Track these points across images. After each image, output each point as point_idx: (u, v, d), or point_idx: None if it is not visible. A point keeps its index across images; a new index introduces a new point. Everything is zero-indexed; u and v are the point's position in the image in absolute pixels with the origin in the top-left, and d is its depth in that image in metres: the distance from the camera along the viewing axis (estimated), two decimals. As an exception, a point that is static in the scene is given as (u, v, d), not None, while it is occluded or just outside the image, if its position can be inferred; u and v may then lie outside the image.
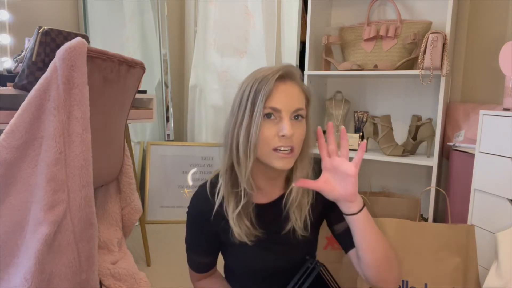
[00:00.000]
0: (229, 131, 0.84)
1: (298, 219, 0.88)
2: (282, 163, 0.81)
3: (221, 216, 0.89)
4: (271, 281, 0.93)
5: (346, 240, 0.90)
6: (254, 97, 0.79)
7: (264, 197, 0.91)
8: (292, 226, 0.89)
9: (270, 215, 0.91)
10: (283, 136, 0.79)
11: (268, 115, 0.80)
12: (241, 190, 0.86)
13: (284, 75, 0.81)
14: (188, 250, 0.99)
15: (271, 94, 0.79)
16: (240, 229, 0.86)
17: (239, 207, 0.86)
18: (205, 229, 0.93)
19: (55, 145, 1.03)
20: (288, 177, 0.92)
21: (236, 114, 0.82)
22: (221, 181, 0.89)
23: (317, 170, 0.91)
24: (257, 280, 0.94)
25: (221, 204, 0.89)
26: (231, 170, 0.87)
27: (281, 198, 0.91)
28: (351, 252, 0.90)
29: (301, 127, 0.83)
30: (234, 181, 0.87)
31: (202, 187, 0.93)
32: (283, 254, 0.91)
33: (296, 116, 0.82)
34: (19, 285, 0.98)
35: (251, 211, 0.88)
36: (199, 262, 1.00)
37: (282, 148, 0.80)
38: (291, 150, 0.81)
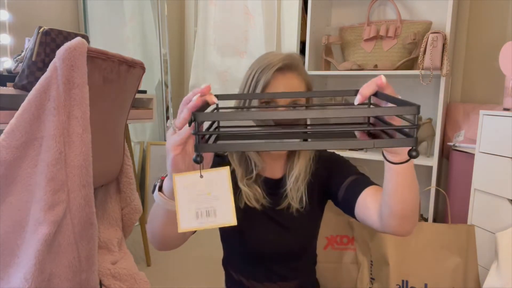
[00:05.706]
0: None
1: (294, 197, 0.91)
2: None
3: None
4: (269, 263, 0.94)
5: (350, 195, 0.84)
6: (254, 85, 0.84)
7: (269, 172, 0.94)
8: (288, 203, 0.91)
9: (272, 189, 0.93)
10: None
11: (267, 103, 0.84)
12: (250, 163, 0.90)
13: (284, 67, 0.83)
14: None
15: (269, 84, 0.82)
16: (252, 192, 0.89)
17: (250, 176, 0.90)
18: None
19: (55, 145, 1.03)
20: (289, 158, 0.94)
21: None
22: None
23: (318, 160, 0.93)
24: (256, 261, 0.95)
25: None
26: None
27: (282, 178, 0.94)
28: (360, 200, 0.81)
29: None
30: (241, 155, 0.92)
31: None
32: (280, 234, 0.92)
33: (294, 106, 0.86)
34: (19, 285, 0.98)
35: (260, 183, 0.92)
36: None
37: None
38: None
